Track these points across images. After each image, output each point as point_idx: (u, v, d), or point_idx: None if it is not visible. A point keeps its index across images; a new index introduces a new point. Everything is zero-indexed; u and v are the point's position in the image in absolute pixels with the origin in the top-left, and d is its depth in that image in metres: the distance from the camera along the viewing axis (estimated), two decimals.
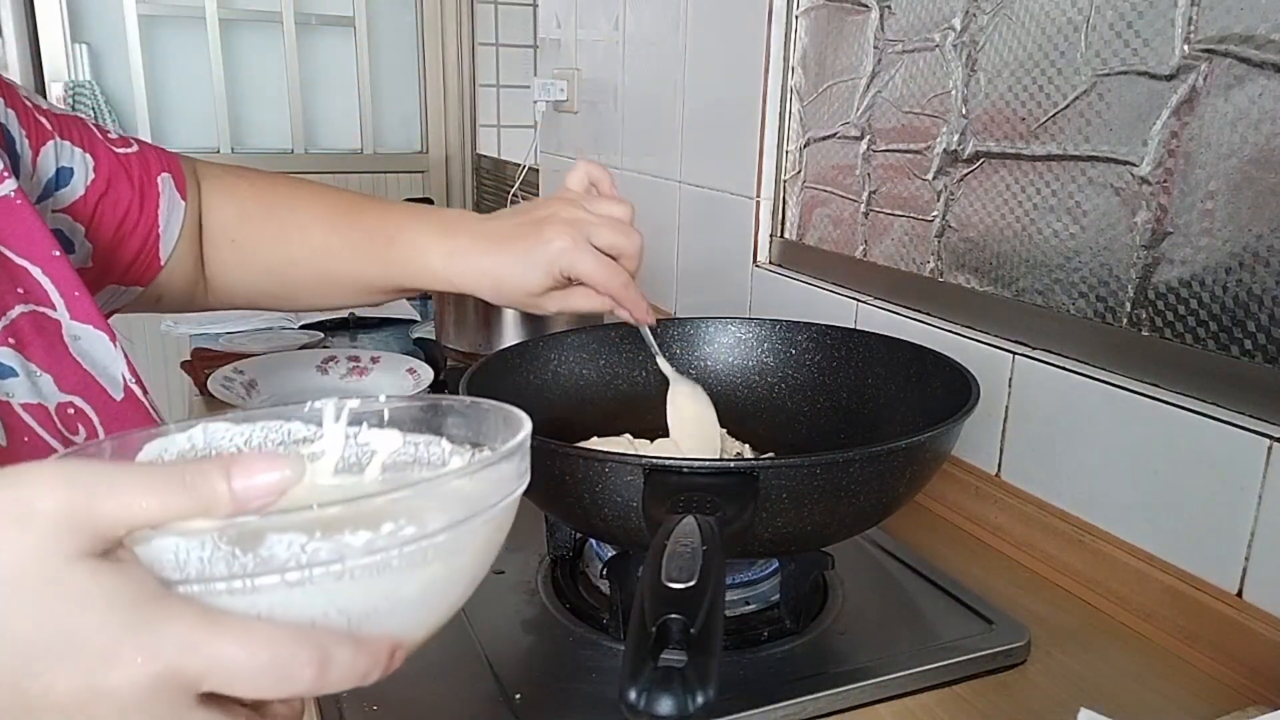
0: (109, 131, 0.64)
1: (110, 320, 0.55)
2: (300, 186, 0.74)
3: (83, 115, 0.63)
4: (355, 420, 0.41)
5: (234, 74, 2.36)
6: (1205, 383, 0.65)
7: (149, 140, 0.66)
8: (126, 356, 0.53)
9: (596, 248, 0.65)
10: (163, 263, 0.66)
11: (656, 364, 0.75)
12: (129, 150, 0.65)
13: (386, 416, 0.42)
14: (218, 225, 0.70)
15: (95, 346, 0.52)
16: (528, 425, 0.37)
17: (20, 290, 0.50)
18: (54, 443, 0.47)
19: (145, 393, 0.54)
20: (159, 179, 0.65)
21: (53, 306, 0.51)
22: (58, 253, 0.52)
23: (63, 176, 0.59)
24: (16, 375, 0.48)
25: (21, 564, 0.25)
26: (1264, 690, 0.59)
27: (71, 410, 0.49)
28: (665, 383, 0.76)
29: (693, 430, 0.73)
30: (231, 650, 0.27)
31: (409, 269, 0.69)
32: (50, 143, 0.58)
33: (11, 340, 0.48)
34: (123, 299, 0.66)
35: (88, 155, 0.61)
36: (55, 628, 0.25)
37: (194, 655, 0.26)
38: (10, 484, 0.26)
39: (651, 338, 0.74)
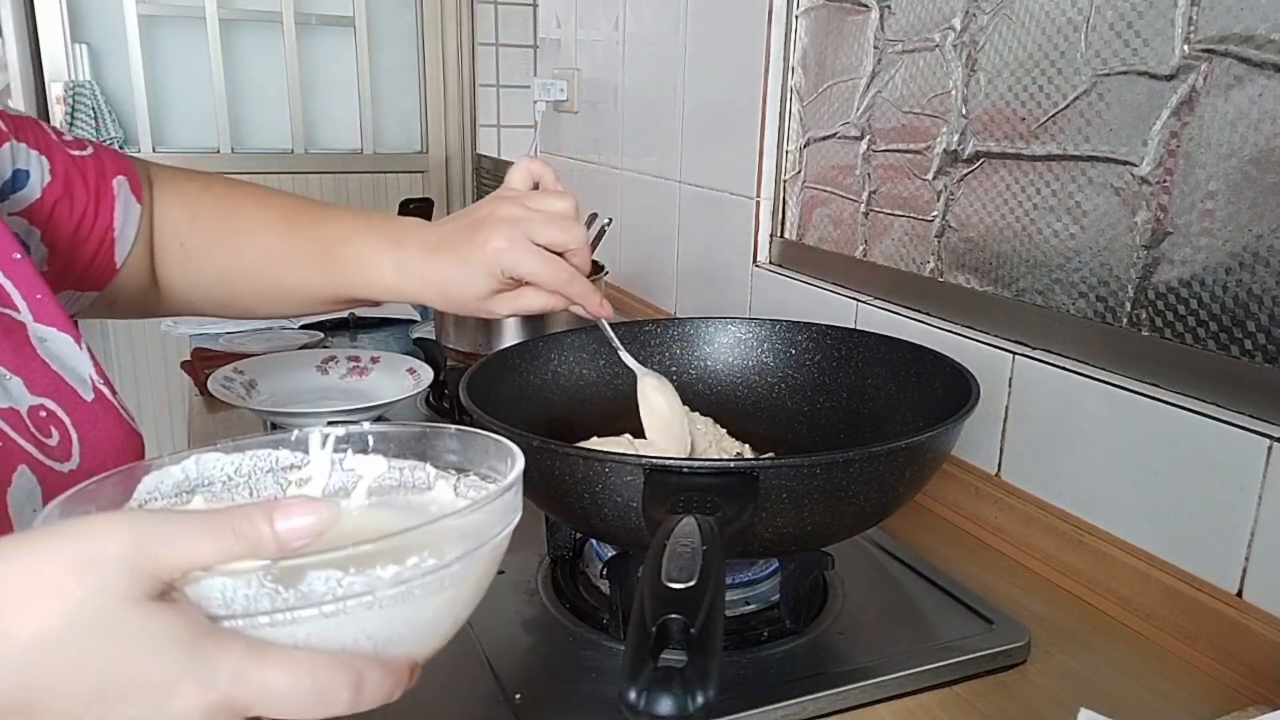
0: (64, 134, 0.64)
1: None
2: (251, 191, 0.72)
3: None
4: (340, 447, 0.43)
5: (234, 74, 2.35)
6: (1205, 383, 0.65)
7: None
8: (93, 357, 0.53)
9: (539, 245, 0.63)
10: (118, 266, 0.65)
11: (620, 359, 0.73)
12: (84, 153, 0.64)
13: (370, 443, 0.43)
14: (168, 229, 0.70)
15: (62, 349, 0.52)
16: (521, 456, 0.40)
17: None
18: (28, 446, 0.47)
19: (114, 393, 0.54)
20: (114, 182, 0.65)
21: (16, 309, 0.50)
22: (19, 255, 0.51)
23: (19, 179, 0.58)
24: None
25: (93, 607, 0.28)
26: (1264, 690, 0.59)
27: (44, 413, 0.49)
28: None
29: (662, 425, 0.72)
30: (277, 679, 0.30)
31: (355, 279, 0.67)
32: (6, 145, 0.58)
33: None
34: (78, 304, 0.66)
35: (43, 158, 0.60)
36: (123, 664, 0.28)
37: (245, 685, 0.29)
38: (81, 536, 0.29)
39: (610, 331, 0.72)
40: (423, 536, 0.32)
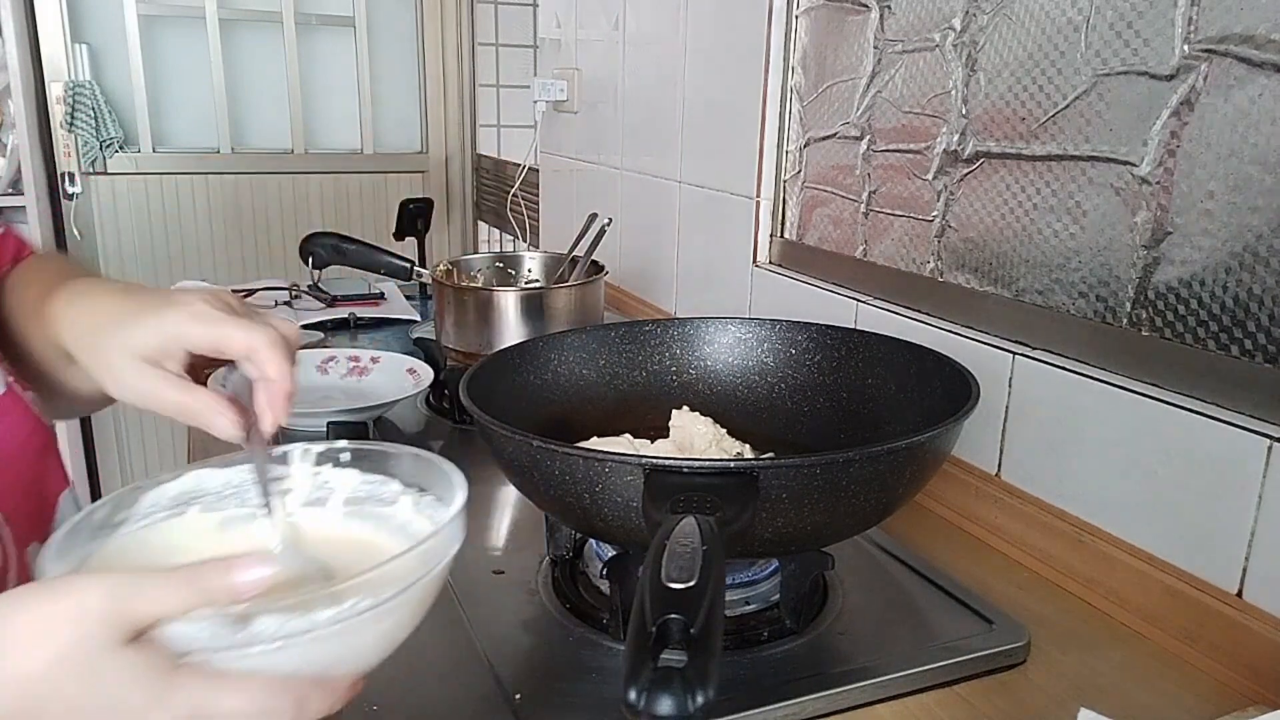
0: None
1: None
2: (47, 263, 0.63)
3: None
4: (319, 462, 0.48)
5: (234, 74, 2.35)
6: (1205, 383, 0.65)
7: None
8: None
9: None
10: None
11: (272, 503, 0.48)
12: None
13: (344, 459, 0.49)
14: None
15: None
16: (463, 491, 0.44)
17: None
18: None
19: (24, 389, 0.56)
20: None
21: None
22: None
23: None
24: None
25: (78, 651, 0.34)
26: (1264, 690, 0.59)
27: None
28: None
29: None
30: (231, 702, 0.35)
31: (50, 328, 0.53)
32: None
33: None
34: None
35: None
36: (103, 697, 0.34)
37: (203, 710, 0.35)
38: (65, 593, 0.35)
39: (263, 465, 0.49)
40: (357, 584, 0.37)
